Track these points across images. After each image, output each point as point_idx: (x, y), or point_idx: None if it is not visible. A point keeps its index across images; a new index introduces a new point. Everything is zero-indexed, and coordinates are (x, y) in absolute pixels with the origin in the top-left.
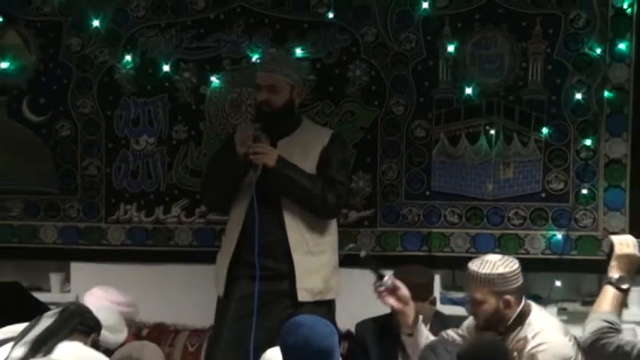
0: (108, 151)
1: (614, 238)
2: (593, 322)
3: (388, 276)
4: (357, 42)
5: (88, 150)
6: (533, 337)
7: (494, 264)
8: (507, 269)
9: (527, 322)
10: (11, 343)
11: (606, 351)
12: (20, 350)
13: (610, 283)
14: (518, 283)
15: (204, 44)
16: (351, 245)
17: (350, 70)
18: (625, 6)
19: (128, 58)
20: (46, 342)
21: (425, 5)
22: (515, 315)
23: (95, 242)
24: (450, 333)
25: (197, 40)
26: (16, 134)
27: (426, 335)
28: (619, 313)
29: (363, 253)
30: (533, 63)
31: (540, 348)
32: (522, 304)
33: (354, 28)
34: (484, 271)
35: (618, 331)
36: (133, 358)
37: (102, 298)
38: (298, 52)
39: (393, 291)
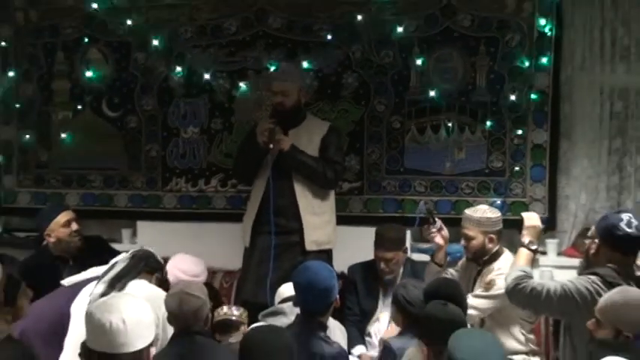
0: (164, 138)
1: (524, 214)
2: (513, 273)
3: (438, 221)
4: (349, 57)
5: (149, 138)
6: (497, 269)
7: (484, 210)
8: (493, 215)
9: (499, 259)
10: (95, 282)
11: (524, 292)
12: (101, 287)
13: (523, 245)
14: (499, 227)
15: (235, 59)
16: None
17: (344, 78)
18: (546, 30)
19: (179, 69)
20: (120, 280)
21: (400, 30)
22: (493, 251)
23: (155, 206)
24: (450, 270)
25: (229, 55)
26: (97, 126)
27: (451, 273)
28: (531, 266)
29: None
30: (480, 73)
31: (500, 275)
32: (499, 246)
33: (347, 47)
34: (477, 215)
35: (531, 278)
36: (183, 292)
37: (183, 273)
38: (305, 64)
39: (439, 232)
